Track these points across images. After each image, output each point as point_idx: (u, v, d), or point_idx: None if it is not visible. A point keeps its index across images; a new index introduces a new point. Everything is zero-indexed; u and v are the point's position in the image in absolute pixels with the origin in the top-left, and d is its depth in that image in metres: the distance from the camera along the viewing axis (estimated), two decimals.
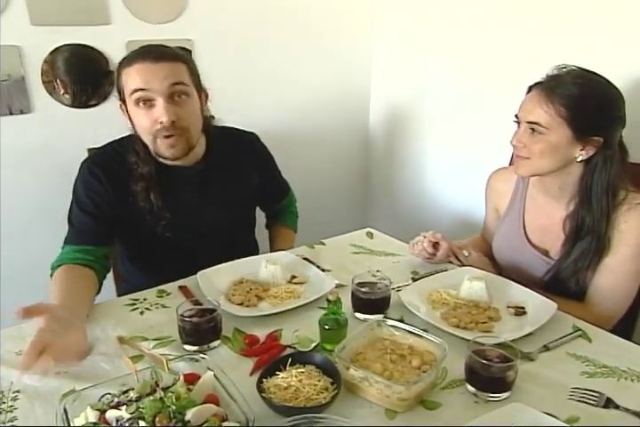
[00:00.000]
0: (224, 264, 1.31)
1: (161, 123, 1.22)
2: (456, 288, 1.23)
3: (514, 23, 1.77)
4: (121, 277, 1.54)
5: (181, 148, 1.28)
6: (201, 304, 1.11)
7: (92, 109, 1.78)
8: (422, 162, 2.27)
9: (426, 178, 2.27)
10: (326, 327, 1.04)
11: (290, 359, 0.95)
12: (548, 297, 1.17)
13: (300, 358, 0.96)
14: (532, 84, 1.24)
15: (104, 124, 1.70)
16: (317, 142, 2.33)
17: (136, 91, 1.22)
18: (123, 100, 1.29)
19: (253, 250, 1.59)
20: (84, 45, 1.71)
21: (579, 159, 1.20)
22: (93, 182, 1.29)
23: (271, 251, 1.59)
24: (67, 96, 1.74)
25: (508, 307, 1.17)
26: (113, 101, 1.76)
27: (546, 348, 1.04)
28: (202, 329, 1.04)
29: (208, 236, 1.40)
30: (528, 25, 1.72)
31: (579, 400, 0.90)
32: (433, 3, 2.05)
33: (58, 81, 1.71)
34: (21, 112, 1.67)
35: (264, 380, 0.92)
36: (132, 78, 1.22)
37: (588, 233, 1.22)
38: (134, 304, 1.21)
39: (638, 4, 1.42)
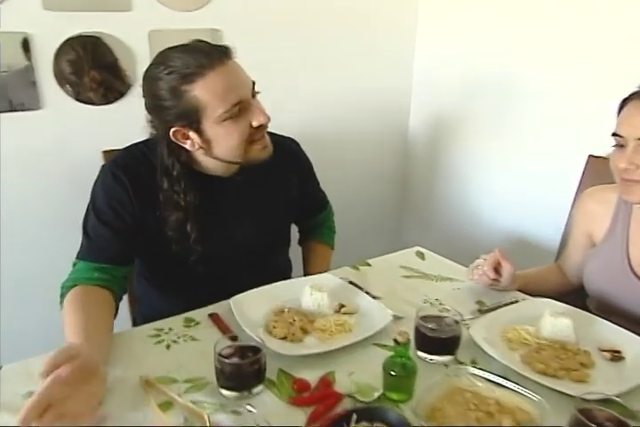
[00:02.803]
0: (260, 289, 1.14)
1: (260, 125, 1.08)
2: (534, 324, 1.05)
3: (574, 22, 1.62)
4: (135, 298, 1.36)
5: (271, 146, 1.15)
6: (236, 337, 0.94)
7: (109, 106, 1.61)
8: (466, 172, 2.10)
9: (470, 190, 2.10)
10: (392, 373, 0.87)
11: (355, 416, 0.78)
12: None
13: (367, 415, 0.79)
14: (626, 96, 1.08)
15: (123, 123, 1.51)
16: (350, 147, 2.16)
17: (235, 105, 1.03)
18: (189, 123, 1.05)
19: (287, 270, 1.42)
20: (102, 34, 1.54)
21: None
22: (117, 189, 1.10)
23: (305, 269, 1.43)
24: (82, 91, 1.58)
25: (601, 350, 0.99)
26: (132, 98, 1.62)
27: None
28: (244, 372, 0.87)
29: (241, 254, 1.23)
30: (593, 24, 1.57)
31: None
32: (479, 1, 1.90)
33: (73, 74, 1.54)
34: (24, 107, 1.50)
35: None
36: (216, 93, 1.01)
37: None
38: (159, 335, 1.03)
39: None
